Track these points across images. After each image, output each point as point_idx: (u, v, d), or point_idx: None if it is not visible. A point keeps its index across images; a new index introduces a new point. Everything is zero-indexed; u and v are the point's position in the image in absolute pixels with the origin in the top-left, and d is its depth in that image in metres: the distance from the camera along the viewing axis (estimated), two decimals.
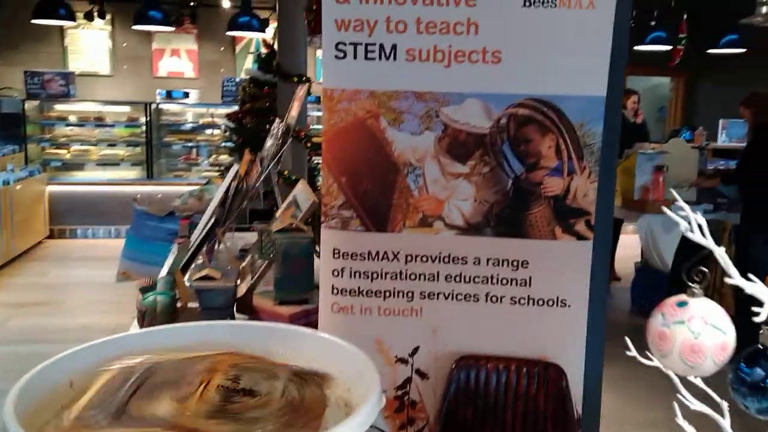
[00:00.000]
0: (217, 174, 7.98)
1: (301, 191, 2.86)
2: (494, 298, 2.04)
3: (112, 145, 7.84)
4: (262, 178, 3.02)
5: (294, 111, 3.19)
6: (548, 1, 1.92)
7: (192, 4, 7.96)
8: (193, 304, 2.29)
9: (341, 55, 1.97)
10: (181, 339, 1.56)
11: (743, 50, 8.15)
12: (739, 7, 7.27)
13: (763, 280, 4.09)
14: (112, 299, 5.18)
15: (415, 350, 2.09)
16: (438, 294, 2.06)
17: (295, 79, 4.97)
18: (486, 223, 2.02)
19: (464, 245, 2.04)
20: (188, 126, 8.12)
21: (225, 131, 5.78)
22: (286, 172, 3.88)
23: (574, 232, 2.01)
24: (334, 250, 2.07)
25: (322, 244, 2.10)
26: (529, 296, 2.03)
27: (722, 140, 8.35)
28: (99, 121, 7.80)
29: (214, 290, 2.12)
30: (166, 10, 7.87)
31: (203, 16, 9.01)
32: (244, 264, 2.84)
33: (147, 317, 2.10)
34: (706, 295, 4.25)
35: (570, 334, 2.04)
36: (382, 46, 1.96)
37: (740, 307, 4.29)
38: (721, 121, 8.47)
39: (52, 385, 1.38)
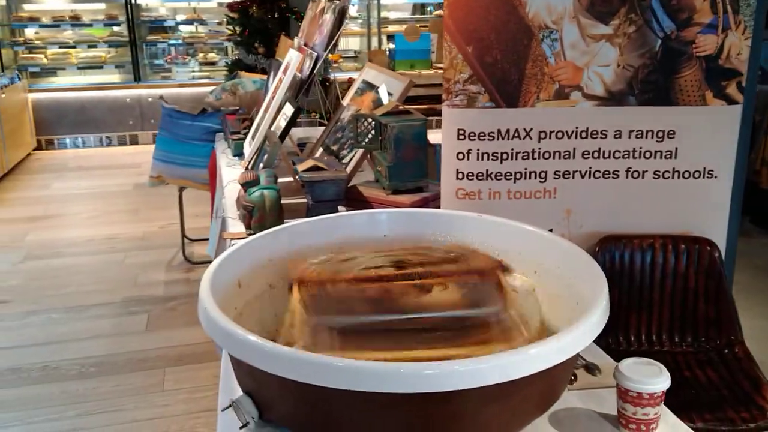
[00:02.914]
0: (207, 72, 7.55)
1: (373, 73, 2.62)
2: (635, 174, 1.89)
3: (92, 46, 7.29)
4: (318, 66, 2.76)
5: None
6: None
7: None
8: (290, 200, 2.10)
9: None
10: (357, 229, 1.40)
11: None
12: None
13: None
14: (127, 208, 4.94)
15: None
16: (573, 172, 1.90)
17: None
18: (629, 91, 1.83)
19: (604, 117, 1.85)
20: (170, 23, 7.57)
21: (228, 23, 5.36)
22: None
23: (725, 96, 1.83)
24: (458, 130, 1.88)
25: (444, 125, 1.90)
26: (674, 169, 1.87)
27: None
28: (75, 21, 7.21)
29: (326, 181, 1.92)
30: None
31: None
32: (317, 156, 2.64)
33: (255, 214, 1.90)
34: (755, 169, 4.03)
35: (715, 206, 1.91)
36: None
37: None
38: None
39: (222, 286, 1.23)
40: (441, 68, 4.40)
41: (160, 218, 4.61)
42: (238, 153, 2.88)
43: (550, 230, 2.02)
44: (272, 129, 2.40)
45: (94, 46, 7.33)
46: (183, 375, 2.69)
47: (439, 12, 7.65)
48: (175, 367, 2.75)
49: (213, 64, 7.59)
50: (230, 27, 5.28)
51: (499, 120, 1.86)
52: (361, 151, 2.28)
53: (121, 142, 7.18)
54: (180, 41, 7.55)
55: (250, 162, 2.50)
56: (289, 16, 4.94)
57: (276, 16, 4.92)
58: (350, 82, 4.64)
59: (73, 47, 7.30)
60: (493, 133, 1.87)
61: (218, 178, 2.88)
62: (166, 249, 4.06)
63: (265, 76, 3.85)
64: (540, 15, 1.79)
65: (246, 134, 2.94)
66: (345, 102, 2.69)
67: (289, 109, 2.38)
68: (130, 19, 7.10)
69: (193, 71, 7.56)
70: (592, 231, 1.95)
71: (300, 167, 1.99)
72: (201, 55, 7.69)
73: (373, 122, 2.17)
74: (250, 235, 1.99)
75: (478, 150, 1.88)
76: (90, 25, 7.30)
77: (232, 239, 1.98)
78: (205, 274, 1.23)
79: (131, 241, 4.23)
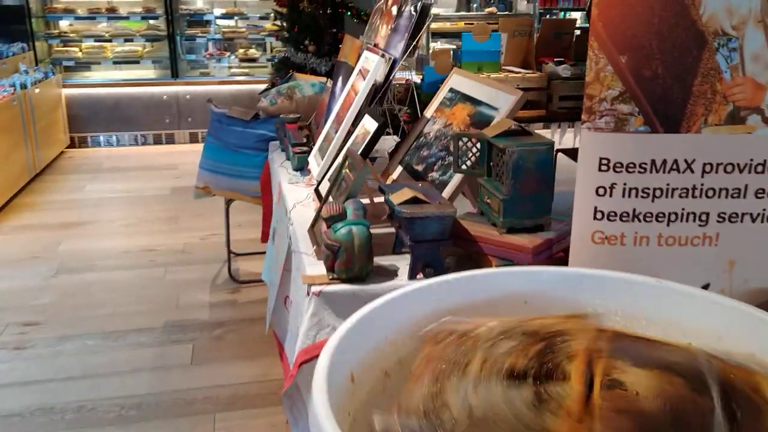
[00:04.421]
0: (246, 69, 7.24)
1: (459, 79, 2.26)
2: None
3: (128, 40, 7.01)
4: (395, 73, 2.41)
5: None
6: None
7: None
8: (379, 230, 1.75)
9: None
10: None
11: None
12: None
13: None
14: (165, 215, 4.63)
15: (705, 288, 1.57)
16: (743, 215, 1.52)
17: None
18: None
19: None
20: (209, 16, 7.27)
21: (275, 18, 5.02)
22: None
23: None
24: (601, 159, 1.50)
25: (582, 153, 1.52)
26: None
27: None
28: (111, 13, 6.94)
29: (430, 218, 1.56)
30: None
31: None
32: (397, 176, 2.29)
33: (341, 255, 1.55)
34: None
35: None
36: None
37: None
38: None
39: (335, 387, 0.91)
40: (510, 71, 3.99)
41: (200, 228, 4.29)
42: (300, 167, 2.53)
43: (707, 285, 1.65)
44: (351, 147, 2.04)
45: (131, 40, 7.07)
46: (235, 423, 2.36)
47: (492, 9, 7.24)
48: (226, 412, 2.42)
49: (253, 60, 7.27)
50: (277, 23, 4.94)
51: (655, 148, 1.48)
52: (459, 176, 1.92)
53: (157, 141, 6.89)
54: (219, 36, 7.25)
55: (320, 184, 2.15)
56: (343, 12, 4.58)
57: (329, 11, 4.56)
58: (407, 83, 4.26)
59: (109, 41, 7.04)
60: (646, 164, 1.49)
61: (279, 197, 2.53)
62: (209, 264, 3.73)
63: (319, 78, 3.51)
64: (717, 18, 1.40)
65: (308, 145, 2.59)
66: (429, 113, 2.33)
67: (371, 124, 2.02)
68: (168, 12, 6.82)
69: (232, 68, 7.26)
70: (759, 288, 1.56)
71: (395, 198, 1.62)
72: (241, 50, 7.37)
73: (478, 143, 1.81)
74: (332, 279, 1.64)
75: (624, 184, 1.50)
76: (126, 18, 7.03)
77: (312, 284, 1.63)
78: (317, 376, 0.89)
79: (171, 254, 3.91)
